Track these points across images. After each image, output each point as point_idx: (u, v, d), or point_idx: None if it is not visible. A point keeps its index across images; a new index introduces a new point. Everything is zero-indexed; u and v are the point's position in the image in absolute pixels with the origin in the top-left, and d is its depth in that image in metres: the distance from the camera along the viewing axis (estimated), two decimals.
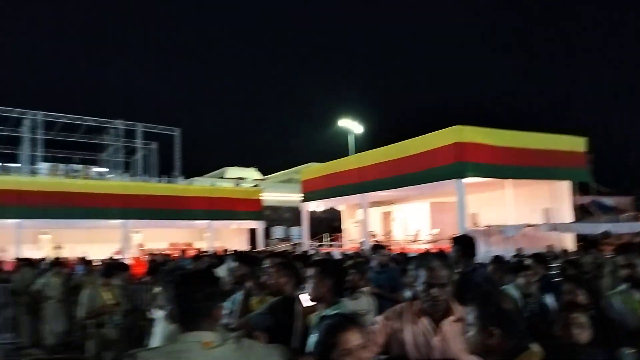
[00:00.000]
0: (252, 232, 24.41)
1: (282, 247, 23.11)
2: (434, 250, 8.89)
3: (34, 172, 27.10)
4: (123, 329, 4.93)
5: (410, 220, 20.71)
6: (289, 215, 29.53)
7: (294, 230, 27.93)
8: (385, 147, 17.79)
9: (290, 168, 33.46)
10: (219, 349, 1.75)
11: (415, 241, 19.06)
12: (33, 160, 28.22)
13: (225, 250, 13.90)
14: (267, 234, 25.56)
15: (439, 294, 2.33)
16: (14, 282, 9.26)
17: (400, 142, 16.90)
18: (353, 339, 1.82)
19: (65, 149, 32.37)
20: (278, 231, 28.84)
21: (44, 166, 27.58)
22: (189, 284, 1.84)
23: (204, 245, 22.10)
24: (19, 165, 28.89)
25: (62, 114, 28.75)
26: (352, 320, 1.93)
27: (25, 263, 10.92)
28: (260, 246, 22.52)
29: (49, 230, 22.08)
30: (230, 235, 24.46)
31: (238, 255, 4.73)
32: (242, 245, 22.70)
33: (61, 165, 27.62)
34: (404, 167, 16.11)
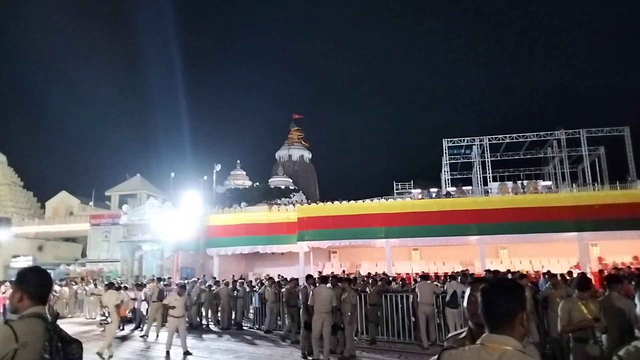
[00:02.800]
0: None
1: None
2: None
3: (485, 192, 29.87)
4: (607, 347, 4.71)
5: None
6: None
7: None
8: None
9: None
10: None
11: None
12: (484, 181, 31.21)
13: None
14: None
15: None
16: None
17: None
18: None
19: (510, 167, 34.40)
20: None
21: (493, 185, 30.01)
22: None
23: None
24: (469, 187, 32.55)
25: (505, 134, 30.78)
26: None
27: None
28: None
29: (506, 244, 23.65)
30: None
31: None
32: None
33: (509, 183, 29.30)
34: None
